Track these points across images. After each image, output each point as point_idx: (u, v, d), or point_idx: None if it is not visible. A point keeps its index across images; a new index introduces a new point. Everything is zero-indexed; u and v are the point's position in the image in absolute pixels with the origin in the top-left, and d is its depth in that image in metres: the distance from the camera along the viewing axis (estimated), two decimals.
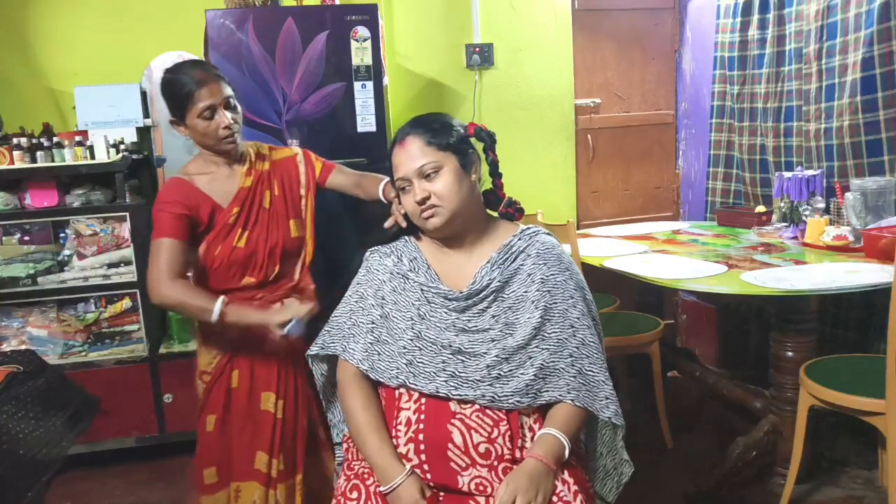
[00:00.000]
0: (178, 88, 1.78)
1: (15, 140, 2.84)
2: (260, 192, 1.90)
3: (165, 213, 1.79)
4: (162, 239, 1.78)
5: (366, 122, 2.69)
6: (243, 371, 1.90)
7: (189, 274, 1.88)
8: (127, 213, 2.92)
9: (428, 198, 1.45)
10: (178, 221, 1.78)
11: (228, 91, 1.82)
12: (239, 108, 1.86)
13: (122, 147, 2.99)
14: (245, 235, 1.85)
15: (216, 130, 1.80)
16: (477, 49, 3.46)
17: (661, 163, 3.92)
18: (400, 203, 1.56)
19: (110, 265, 2.97)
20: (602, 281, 2.73)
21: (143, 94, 3.10)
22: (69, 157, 2.86)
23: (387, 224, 1.63)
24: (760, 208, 3.13)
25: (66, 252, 2.98)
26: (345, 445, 1.60)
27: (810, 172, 2.84)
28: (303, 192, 1.99)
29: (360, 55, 2.66)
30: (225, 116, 1.79)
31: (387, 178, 1.90)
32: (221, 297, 1.74)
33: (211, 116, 1.78)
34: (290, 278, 1.94)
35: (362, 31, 2.65)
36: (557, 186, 3.69)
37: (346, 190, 2.04)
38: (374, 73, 2.67)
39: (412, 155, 1.46)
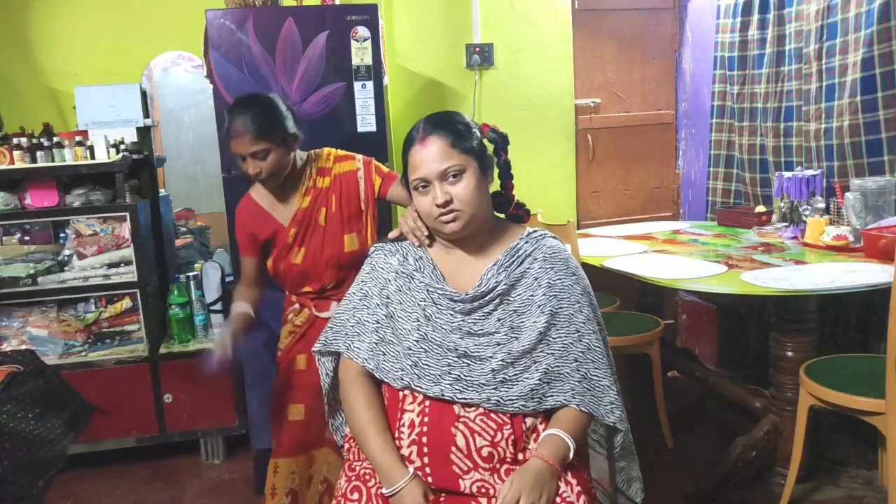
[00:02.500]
0: (226, 127, 1.90)
1: (15, 140, 2.84)
2: (317, 211, 2.00)
3: (240, 235, 2.05)
4: (242, 257, 2.07)
5: (366, 122, 2.69)
6: (309, 356, 1.99)
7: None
8: (127, 213, 2.92)
9: (450, 201, 1.42)
10: (249, 242, 2.04)
11: (260, 146, 1.85)
12: (275, 154, 1.88)
13: (122, 147, 2.99)
14: (301, 252, 1.99)
15: (246, 173, 1.92)
16: (477, 49, 3.46)
17: (661, 163, 3.92)
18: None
19: (110, 265, 2.97)
20: (602, 281, 2.72)
21: (144, 94, 3.09)
22: (69, 157, 2.86)
23: (391, 235, 1.61)
24: (760, 208, 3.13)
25: (67, 252, 2.98)
26: (346, 445, 1.60)
27: (810, 172, 2.84)
28: (363, 206, 2.03)
29: (360, 55, 2.66)
30: (250, 167, 1.88)
31: None
32: (244, 304, 1.98)
33: (244, 161, 1.89)
34: (349, 287, 1.99)
35: (362, 31, 2.64)
36: (557, 186, 3.69)
37: (403, 203, 2.03)
38: (374, 73, 2.67)
39: (435, 156, 1.42)
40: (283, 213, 2.01)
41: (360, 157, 2.08)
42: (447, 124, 1.45)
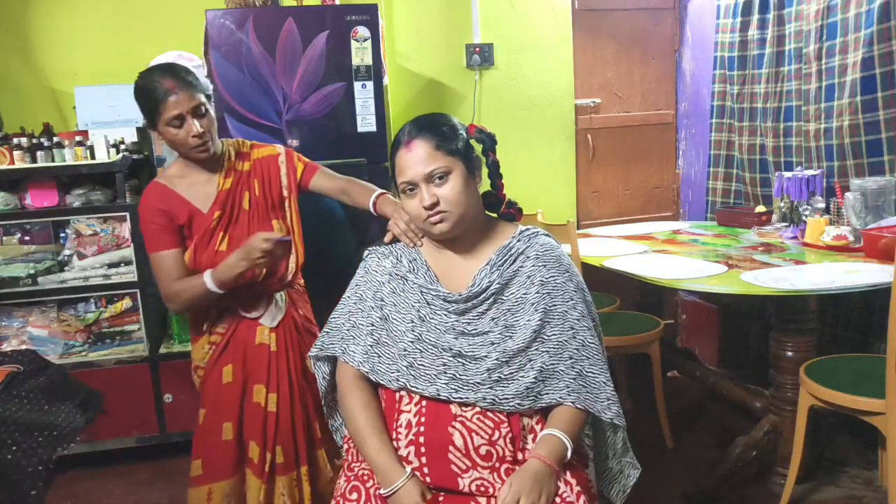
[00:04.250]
0: (147, 96, 1.75)
1: (15, 140, 2.85)
2: (239, 194, 1.88)
3: (150, 227, 1.82)
4: (155, 254, 1.82)
5: (366, 122, 2.69)
6: (236, 365, 1.91)
7: None
8: (127, 213, 2.92)
9: (437, 203, 1.43)
10: (163, 233, 1.82)
11: (198, 98, 1.76)
12: (211, 112, 1.81)
13: (122, 147, 2.99)
14: (226, 239, 1.85)
15: (185, 139, 1.77)
16: (477, 49, 3.46)
17: (661, 163, 3.92)
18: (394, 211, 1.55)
19: (110, 265, 2.97)
20: (602, 281, 2.73)
21: None
22: (69, 157, 2.87)
23: (386, 239, 1.61)
24: (760, 208, 3.13)
25: (67, 252, 2.98)
26: (345, 447, 1.60)
27: (810, 172, 2.84)
28: (285, 192, 1.96)
29: (360, 55, 2.66)
30: (194, 125, 1.76)
31: (378, 191, 1.90)
32: (207, 271, 1.77)
33: (180, 125, 1.76)
34: (281, 277, 1.94)
35: (362, 31, 2.65)
36: (557, 186, 3.69)
37: (330, 194, 2.00)
38: (374, 73, 2.67)
39: (420, 159, 1.43)
40: (200, 197, 1.84)
41: (280, 146, 2.00)
42: (432, 127, 1.46)
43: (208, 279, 1.76)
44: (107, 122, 3.02)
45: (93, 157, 2.88)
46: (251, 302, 1.91)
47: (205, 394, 1.96)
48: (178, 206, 1.83)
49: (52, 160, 2.84)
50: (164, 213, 1.81)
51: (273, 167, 1.95)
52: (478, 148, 1.55)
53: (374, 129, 2.69)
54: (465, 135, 1.50)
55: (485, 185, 1.58)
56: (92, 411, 1.90)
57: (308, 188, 1.99)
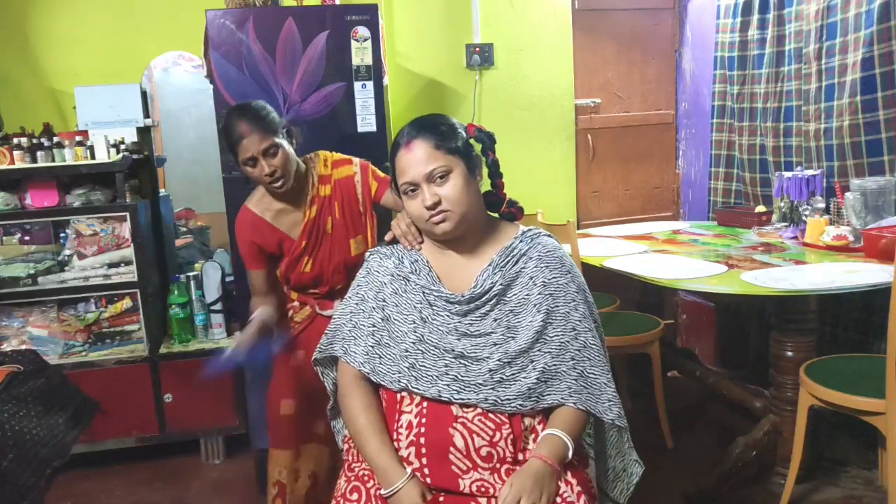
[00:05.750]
0: (226, 137, 1.90)
1: (15, 140, 2.85)
2: (323, 220, 2.00)
3: (244, 250, 2.03)
4: (250, 271, 2.05)
5: (366, 122, 2.69)
6: (308, 352, 1.98)
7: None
8: (127, 213, 2.92)
9: (438, 202, 1.42)
10: (256, 255, 2.02)
11: (269, 141, 1.85)
12: (285, 147, 1.89)
13: (122, 147, 2.99)
14: (310, 262, 2.00)
15: (260, 177, 1.90)
16: (477, 49, 3.46)
17: (661, 163, 3.92)
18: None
19: (111, 265, 2.98)
20: (602, 281, 2.73)
21: (144, 94, 3.10)
22: (69, 157, 2.87)
23: (386, 238, 1.62)
24: (760, 208, 3.13)
25: (67, 252, 2.98)
26: (346, 447, 1.60)
27: (810, 172, 2.84)
28: (361, 209, 2.05)
29: (361, 55, 2.66)
30: (265, 166, 1.86)
31: None
32: (262, 311, 1.99)
33: (254, 165, 1.88)
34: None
35: (362, 31, 2.64)
36: (557, 186, 3.69)
37: (397, 209, 2.03)
38: (375, 73, 2.67)
39: (420, 159, 1.43)
40: (287, 224, 2.01)
41: (356, 160, 2.08)
42: (431, 127, 1.46)
43: (258, 314, 1.99)
44: (107, 122, 3.02)
45: (93, 157, 2.88)
46: (326, 301, 2.08)
47: (274, 370, 2.13)
48: (267, 235, 2.00)
49: (53, 160, 2.85)
50: (255, 244, 2.01)
51: (350, 187, 2.05)
52: (477, 147, 1.55)
53: (374, 129, 2.69)
54: (464, 134, 1.50)
55: (485, 184, 1.58)
56: (85, 421, 1.92)
57: (381, 203, 2.07)
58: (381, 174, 2.08)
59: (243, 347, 1.85)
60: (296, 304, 2.12)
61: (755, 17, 3.22)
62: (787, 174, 2.90)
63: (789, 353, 2.43)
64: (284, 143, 1.90)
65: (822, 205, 2.77)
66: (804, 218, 2.79)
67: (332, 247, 2.01)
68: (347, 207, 2.03)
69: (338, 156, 2.08)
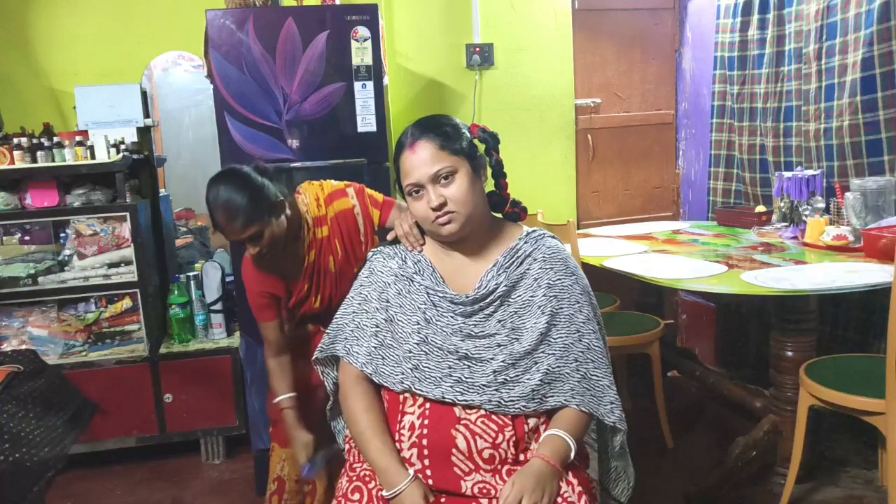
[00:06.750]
0: (208, 212, 1.80)
1: (15, 140, 2.84)
2: (324, 261, 1.91)
3: (255, 300, 1.95)
4: (263, 323, 1.98)
5: (366, 122, 2.69)
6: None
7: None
8: (127, 213, 2.92)
9: (444, 204, 1.42)
10: (267, 304, 1.94)
11: (250, 231, 1.73)
12: (272, 228, 1.76)
13: (122, 147, 2.99)
14: (319, 298, 1.95)
15: (248, 252, 1.84)
16: (477, 49, 3.46)
17: (661, 163, 3.92)
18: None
19: (111, 265, 2.97)
20: (602, 281, 2.73)
21: (144, 94, 3.10)
22: (69, 157, 2.86)
23: (388, 237, 1.62)
24: (760, 208, 3.13)
25: (67, 252, 2.98)
26: (347, 447, 1.60)
27: (810, 172, 2.84)
28: (363, 239, 1.95)
29: (361, 55, 2.65)
30: (249, 249, 1.80)
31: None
32: (288, 395, 1.94)
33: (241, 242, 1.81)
34: None
35: (362, 31, 2.64)
36: (557, 186, 3.69)
37: None
38: (375, 73, 2.67)
39: (425, 160, 1.42)
40: (290, 269, 1.91)
41: (350, 190, 1.94)
42: (435, 127, 1.45)
43: (282, 400, 1.95)
44: (107, 122, 3.01)
45: (93, 157, 2.88)
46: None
47: None
48: (273, 284, 1.93)
49: (53, 160, 2.84)
50: (264, 293, 1.94)
51: (350, 220, 1.93)
52: (481, 147, 1.55)
53: (374, 129, 2.68)
54: (468, 134, 1.50)
55: (488, 184, 1.58)
56: (84, 423, 1.92)
57: (386, 227, 1.95)
58: (380, 197, 1.97)
59: (311, 451, 1.88)
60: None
61: (755, 17, 3.22)
62: (787, 174, 2.90)
63: (789, 353, 2.43)
64: (272, 223, 1.76)
65: (822, 205, 2.77)
66: (804, 218, 2.79)
67: (337, 281, 1.94)
68: (349, 242, 1.93)
69: (328, 187, 1.95)
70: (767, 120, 3.21)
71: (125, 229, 2.95)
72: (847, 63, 2.74)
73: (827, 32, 2.83)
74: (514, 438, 1.41)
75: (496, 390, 1.40)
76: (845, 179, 2.78)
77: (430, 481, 1.40)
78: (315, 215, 1.91)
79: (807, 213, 2.80)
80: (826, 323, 2.87)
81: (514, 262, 1.48)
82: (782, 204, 2.94)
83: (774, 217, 3.00)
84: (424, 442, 1.41)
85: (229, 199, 1.72)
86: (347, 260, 1.95)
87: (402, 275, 1.52)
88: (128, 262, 2.97)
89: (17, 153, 2.82)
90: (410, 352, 1.45)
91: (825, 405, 2.15)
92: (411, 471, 1.40)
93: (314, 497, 2.10)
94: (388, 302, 1.51)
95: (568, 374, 1.44)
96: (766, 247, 2.74)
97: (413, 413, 1.44)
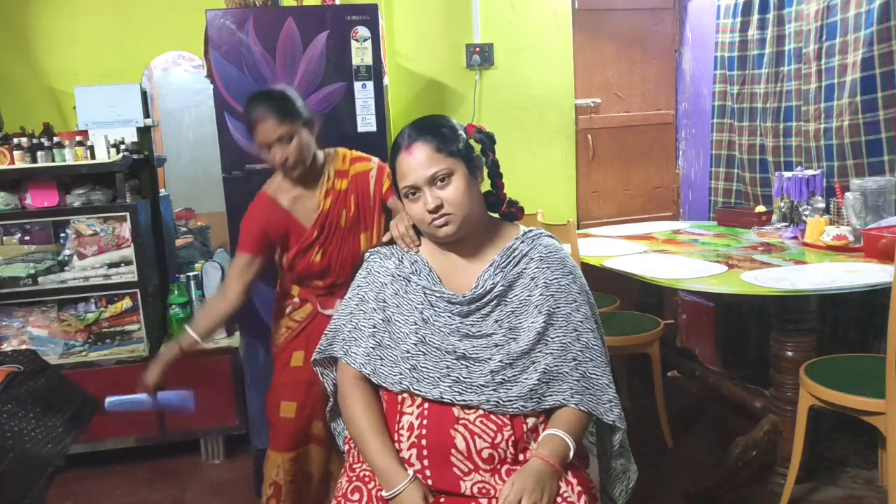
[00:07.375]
0: (246, 120, 1.93)
1: (15, 140, 2.84)
2: (337, 213, 2.01)
3: (249, 231, 2.00)
4: (242, 254, 2.01)
5: (366, 122, 2.69)
6: (308, 352, 1.99)
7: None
8: (127, 213, 2.92)
9: (441, 206, 1.42)
10: (257, 239, 1.99)
11: (284, 129, 1.88)
12: (302, 137, 1.91)
13: (122, 147, 2.99)
14: (321, 252, 2.00)
15: (274, 162, 1.93)
16: (477, 49, 3.46)
17: (661, 163, 3.92)
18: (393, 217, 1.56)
19: (111, 265, 2.97)
20: (602, 281, 2.73)
21: (144, 94, 3.09)
22: (69, 157, 2.87)
23: (384, 238, 1.63)
24: (760, 208, 3.13)
25: (67, 252, 2.98)
26: (346, 447, 1.60)
27: (810, 172, 2.84)
28: (372, 204, 2.06)
29: (361, 55, 2.66)
30: (277, 154, 1.89)
31: None
32: (194, 336, 1.99)
33: (268, 151, 1.91)
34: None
35: (362, 31, 2.64)
36: (557, 186, 3.69)
37: (397, 212, 2.06)
38: (375, 73, 2.67)
39: (421, 162, 1.42)
40: (301, 211, 2.01)
41: (375, 159, 2.10)
42: (431, 129, 1.45)
43: (187, 335, 2.01)
44: (107, 122, 3.02)
45: (93, 157, 2.88)
46: (328, 299, 2.07)
47: (274, 373, 2.14)
48: (278, 222, 2.00)
49: (53, 160, 2.85)
50: (262, 230, 1.99)
51: (365, 182, 2.05)
52: (477, 148, 1.54)
53: (374, 129, 2.69)
54: (464, 135, 1.49)
55: (485, 185, 1.58)
56: (84, 422, 1.92)
57: (387, 203, 2.07)
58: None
59: (151, 392, 1.93)
60: (296, 300, 2.10)
61: (755, 17, 3.22)
62: (787, 174, 2.90)
63: (789, 353, 2.43)
64: (303, 131, 1.92)
65: (822, 205, 2.77)
66: (804, 218, 2.79)
67: (343, 240, 2.02)
68: (362, 202, 2.04)
69: (356, 153, 2.11)
70: (767, 120, 3.21)
71: (125, 229, 2.95)
72: (847, 63, 2.74)
73: (827, 32, 2.83)
74: (512, 438, 1.41)
75: (494, 390, 1.40)
76: (845, 179, 2.78)
77: (430, 481, 1.40)
78: (338, 168, 2.03)
79: (807, 213, 2.80)
80: (826, 323, 2.87)
81: (510, 261, 1.48)
82: (782, 204, 2.94)
83: (774, 217, 3.00)
84: (423, 442, 1.41)
85: (268, 97, 1.91)
86: (357, 220, 2.03)
87: (398, 275, 1.52)
88: (128, 262, 2.97)
89: (17, 153, 2.82)
90: (408, 352, 1.45)
91: (825, 405, 2.15)
92: (411, 471, 1.40)
93: (309, 489, 2.12)
94: (385, 302, 1.51)
95: (566, 373, 1.44)
96: (766, 247, 2.74)
97: (412, 413, 1.44)
